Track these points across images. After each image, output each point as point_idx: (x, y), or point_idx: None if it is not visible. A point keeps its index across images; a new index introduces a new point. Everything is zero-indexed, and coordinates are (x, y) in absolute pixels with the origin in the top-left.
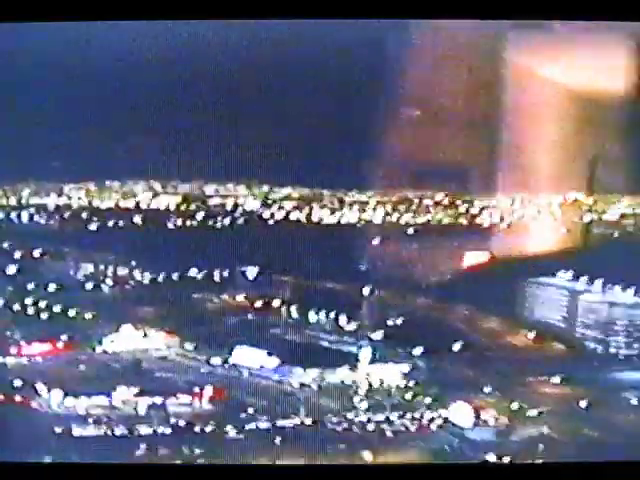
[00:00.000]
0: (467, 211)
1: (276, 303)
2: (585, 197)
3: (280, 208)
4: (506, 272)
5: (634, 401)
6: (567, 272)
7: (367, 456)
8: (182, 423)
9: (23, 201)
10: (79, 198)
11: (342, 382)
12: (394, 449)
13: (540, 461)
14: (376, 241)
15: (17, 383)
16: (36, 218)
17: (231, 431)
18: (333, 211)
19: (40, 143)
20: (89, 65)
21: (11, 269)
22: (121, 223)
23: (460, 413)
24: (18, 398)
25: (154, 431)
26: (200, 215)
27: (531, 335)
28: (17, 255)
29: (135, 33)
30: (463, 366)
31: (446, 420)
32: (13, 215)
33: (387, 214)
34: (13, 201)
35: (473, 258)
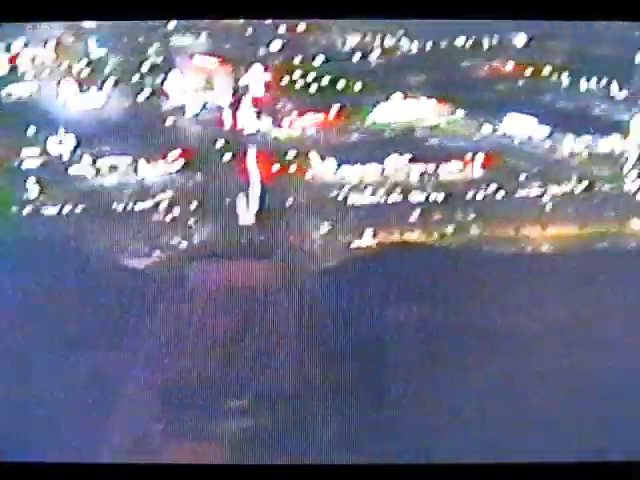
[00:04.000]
0: None
1: (547, 70)
2: None
3: None
4: None
5: None
6: None
7: (636, 224)
8: (455, 189)
9: None
10: None
11: (613, 150)
12: None
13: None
14: None
15: (291, 154)
16: None
17: (501, 196)
18: None
19: None
20: None
21: (276, 44)
22: None
23: None
24: (293, 168)
25: (427, 198)
26: None
27: None
28: (281, 30)
29: None
30: None
31: None
32: None
33: None
34: None
35: None
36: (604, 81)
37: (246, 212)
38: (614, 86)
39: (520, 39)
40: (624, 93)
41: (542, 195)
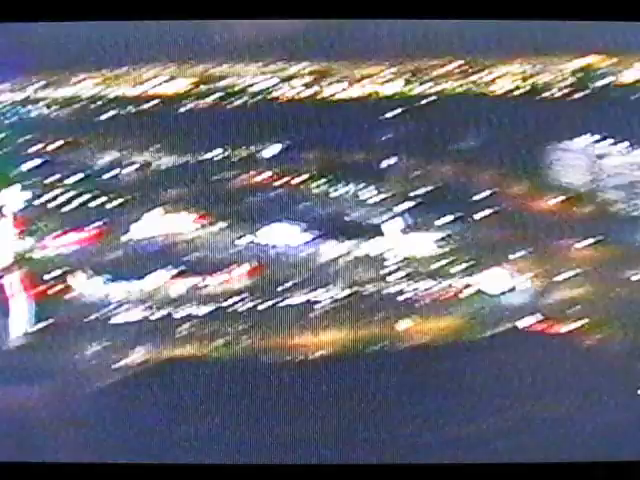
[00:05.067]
0: (481, 79)
1: (301, 179)
2: (601, 59)
3: (292, 88)
4: (528, 137)
5: None
6: (590, 135)
7: (404, 324)
8: (221, 301)
9: (32, 95)
10: (90, 88)
11: (374, 254)
12: (430, 316)
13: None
14: (394, 113)
15: (54, 274)
16: (47, 111)
17: (269, 306)
18: (345, 86)
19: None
20: None
21: (32, 162)
22: (135, 110)
23: (493, 279)
24: (57, 288)
25: (194, 312)
26: (214, 96)
27: (559, 199)
28: (35, 149)
29: None
30: (493, 232)
31: (479, 286)
32: (24, 110)
33: (404, 84)
34: (22, 95)
35: (492, 127)
36: (360, 185)
37: (11, 334)
38: (369, 190)
39: (273, 149)
40: (379, 197)
41: (309, 302)
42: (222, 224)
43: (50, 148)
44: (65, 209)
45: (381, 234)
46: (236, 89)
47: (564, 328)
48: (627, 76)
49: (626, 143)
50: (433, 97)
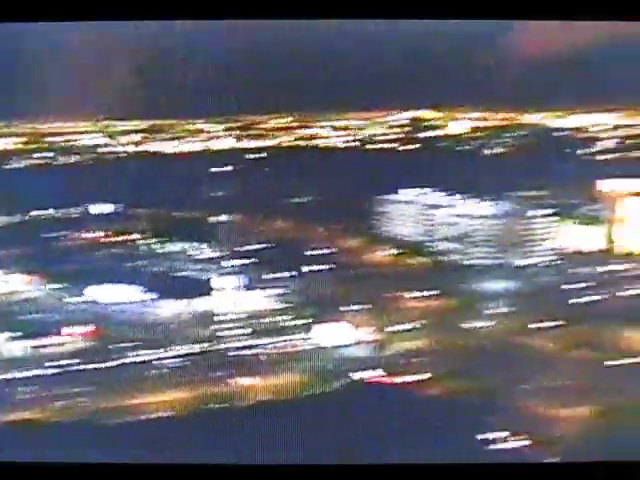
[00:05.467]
0: (309, 134)
1: (134, 237)
2: (429, 113)
3: (123, 144)
4: (360, 190)
5: (500, 309)
6: (420, 188)
7: (245, 381)
8: (60, 363)
9: None
10: None
11: (210, 311)
12: (270, 372)
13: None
14: (225, 168)
15: None
16: None
17: (111, 366)
18: (175, 143)
19: None
20: None
21: None
22: None
23: (332, 332)
24: None
25: (33, 374)
26: (42, 154)
27: (394, 251)
28: None
29: None
30: (330, 286)
31: (318, 341)
32: None
33: (235, 140)
34: None
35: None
36: (193, 243)
37: None
38: (202, 248)
39: (103, 207)
40: (212, 254)
41: (147, 361)
42: (55, 285)
43: None
44: None
45: (217, 291)
46: (64, 147)
47: (405, 379)
48: (454, 128)
49: (457, 194)
50: (263, 153)
